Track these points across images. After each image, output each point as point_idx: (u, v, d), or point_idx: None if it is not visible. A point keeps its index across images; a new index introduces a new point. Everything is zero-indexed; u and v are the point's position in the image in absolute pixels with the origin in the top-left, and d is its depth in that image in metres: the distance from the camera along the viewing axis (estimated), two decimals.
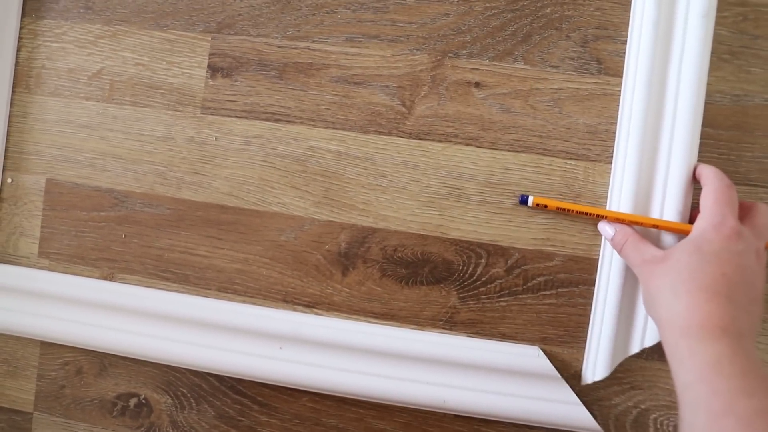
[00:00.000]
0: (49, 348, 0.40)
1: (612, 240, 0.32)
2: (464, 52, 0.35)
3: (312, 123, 0.37)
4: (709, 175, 0.31)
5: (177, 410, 0.38)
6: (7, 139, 0.40)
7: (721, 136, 0.35)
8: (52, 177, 0.39)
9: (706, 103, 0.34)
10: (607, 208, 0.34)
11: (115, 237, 0.39)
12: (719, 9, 0.34)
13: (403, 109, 0.36)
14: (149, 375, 0.38)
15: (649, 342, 0.32)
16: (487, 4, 0.35)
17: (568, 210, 0.33)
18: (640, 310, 0.33)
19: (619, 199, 0.33)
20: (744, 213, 0.31)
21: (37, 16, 0.39)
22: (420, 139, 0.35)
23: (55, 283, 0.39)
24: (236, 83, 0.37)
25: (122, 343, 0.38)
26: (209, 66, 0.38)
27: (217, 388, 0.38)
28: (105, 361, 0.39)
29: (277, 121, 0.37)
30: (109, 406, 0.39)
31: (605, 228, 0.33)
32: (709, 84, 0.35)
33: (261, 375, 0.36)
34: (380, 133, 0.36)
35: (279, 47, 0.37)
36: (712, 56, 0.35)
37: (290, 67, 0.37)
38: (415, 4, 0.36)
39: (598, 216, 0.33)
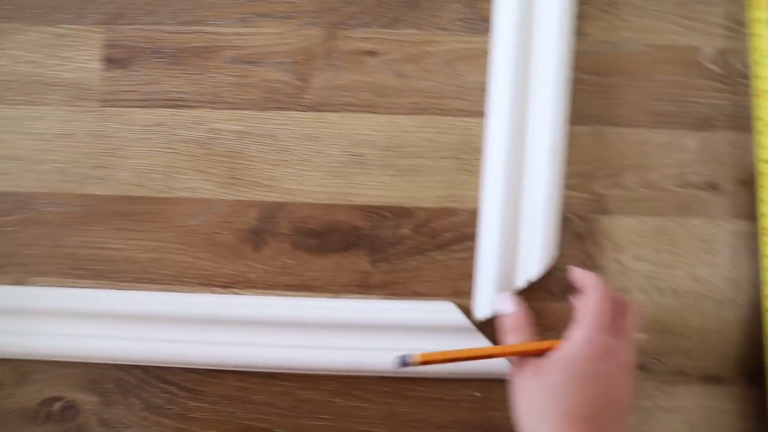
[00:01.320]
0: None
1: (504, 318, 0.33)
2: (355, 22, 0.36)
3: (212, 105, 0.37)
4: (588, 284, 0.31)
5: (104, 407, 0.38)
6: None
7: (607, 82, 0.36)
8: None
9: (589, 52, 0.36)
10: (485, 160, 0.35)
11: (23, 241, 0.38)
12: None
13: (300, 84, 0.36)
14: (72, 376, 0.38)
15: (533, 275, 0.34)
16: None
17: (455, 359, 0.31)
18: (523, 244, 0.34)
19: (494, 148, 0.34)
20: (617, 317, 0.30)
21: None
22: (318, 111, 0.36)
23: None
24: (133, 73, 0.37)
25: (41, 347, 0.37)
26: (104, 58, 0.37)
27: (142, 379, 0.37)
28: (24, 369, 0.38)
29: (177, 107, 0.37)
30: (32, 414, 0.38)
31: (503, 301, 0.33)
32: (591, 34, 0.36)
33: (185, 360, 0.36)
34: (279, 108, 0.36)
35: (173, 33, 0.37)
36: (593, 8, 0.37)
37: (186, 52, 0.37)
38: None
39: (485, 356, 0.31)
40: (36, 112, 0.37)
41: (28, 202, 0.38)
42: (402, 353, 0.30)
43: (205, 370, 0.37)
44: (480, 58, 0.36)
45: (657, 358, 0.36)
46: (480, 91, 0.36)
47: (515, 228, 0.35)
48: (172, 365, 0.36)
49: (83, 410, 0.38)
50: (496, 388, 0.36)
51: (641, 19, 0.36)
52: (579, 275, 0.32)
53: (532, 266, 0.35)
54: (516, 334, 0.32)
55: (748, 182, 0.37)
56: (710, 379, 0.37)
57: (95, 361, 0.37)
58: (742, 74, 0.36)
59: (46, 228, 0.38)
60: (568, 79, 0.34)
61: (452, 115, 0.36)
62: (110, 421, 0.38)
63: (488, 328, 0.36)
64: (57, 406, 0.38)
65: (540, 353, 0.30)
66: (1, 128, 0.38)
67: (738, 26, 0.37)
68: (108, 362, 0.37)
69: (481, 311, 0.35)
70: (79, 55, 0.37)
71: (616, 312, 0.31)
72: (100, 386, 0.38)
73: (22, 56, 0.38)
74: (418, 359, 0.30)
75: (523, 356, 0.31)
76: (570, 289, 0.34)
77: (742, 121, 0.37)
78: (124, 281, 0.37)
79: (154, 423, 0.38)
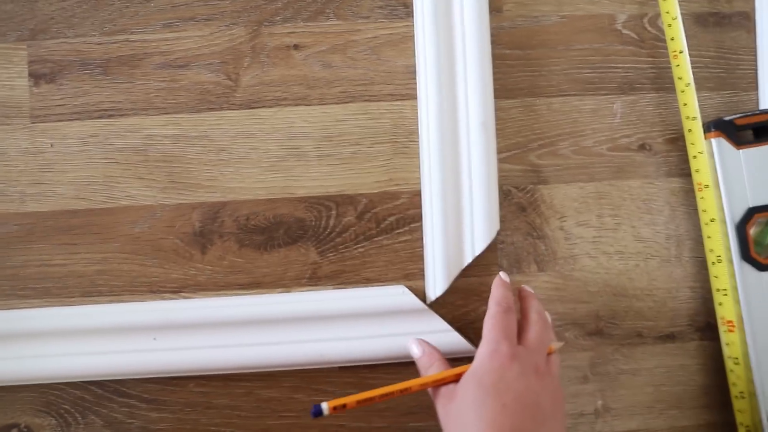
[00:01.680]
0: None
1: (418, 361, 0.33)
2: (278, 18, 0.36)
3: (145, 112, 0.37)
4: (491, 299, 0.33)
5: (63, 430, 0.37)
6: None
7: (530, 55, 0.37)
8: None
9: (509, 27, 0.37)
10: (420, 142, 0.35)
11: None
12: None
13: (230, 83, 0.36)
14: (26, 400, 0.37)
15: (479, 249, 0.34)
16: None
17: (371, 398, 0.31)
18: (467, 220, 0.35)
19: (427, 129, 0.35)
20: (520, 331, 0.32)
21: None
22: (251, 108, 0.36)
23: None
24: (62, 87, 0.37)
25: None
26: (30, 74, 0.37)
27: (100, 395, 0.37)
28: None
29: (110, 116, 0.37)
30: None
31: (412, 347, 0.34)
32: (509, 10, 0.37)
33: (140, 370, 0.35)
34: (212, 109, 0.36)
35: (98, 44, 0.37)
36: None
37: (113, 62, 0.37)
38: None
39: (402, 391, 0.31)
40: None
41: None
42: (315, 404, 0.30)
43: (164, 378, 0.36)
44: (404, 42, 0.36)
45: (613, 322, 0.37)
46: (408, 74, 0.36)
47: (457, 205, 0.35)
48: (129, 377, 0.36)
49: None
50: (459, 366, 0.37)
51: None
52: (493, 284, 0.33)
53: (477, 241, 0.35)
54: (430, 369, 0.32)
55: (677, 140, 0.38)
56: (666, 338, 0.38)
57: (49, 381, 0.36)
58: (656, 38, 0.38)
59: None
60: (491, 54, 0.35)
61: (383, 100, 0.36)
62: None
63: (441, 308, 0.37)
64: None
65: (455, 379, 0.31)
66: None
67: None
68: (62, 381, 0.36)
69: (434, 292, 0.36)
70: (3, 73, 0.37)
71: (522, 324, 0.32)
72: (57, 408, 0.37)
73: None
74: (329, 408, 0.30)
75: (438, 386, 0.31)
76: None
77: (663, 82, 0.38)
78: (73, 296, 0.37)
79: None
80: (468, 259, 0.35)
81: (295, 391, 0.37)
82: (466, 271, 0.36)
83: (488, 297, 0.36)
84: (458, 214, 0.35)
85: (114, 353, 0.36)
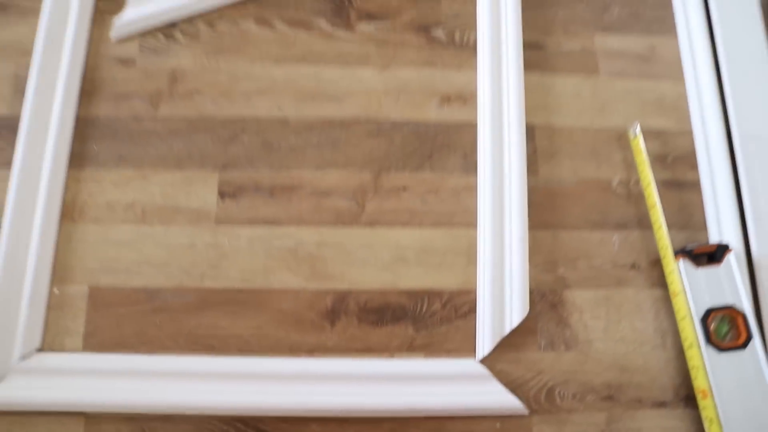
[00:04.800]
0: (91, 427, 0.48)
1: None
2: (393, 168, 0.55)
3: (297, 224, 0.53)
4: None
5: None
6: (54, 258, 0.51)
7: (557, 202, 0.55)
8: (94, 284, 0.50)
9: (542, 184, 0.55)
10: (478, 250, 0.52)
11: (151, 324, 0.50)
12: None
13: (358, 208, 0.53)
14: (185, 431, 0.48)
15: (515, 323, 0.49)
16: (403, 139, 0.56)
17: None
18: (507, 304, 0.50)
19: (484, 243, 0.52)
20: None
21: (79, 167, 0.53)
22: (372, 226, 0.53)
23: (96, 361, 0.48)
24: (240, 202, 0.53)
25: (161, 403, 0.47)
26: (219, 192, 0.53)
27: (242, 430, 0.48)
28: (144, 426, 0.47)
29: (272, 225, 0.53)
30: None
31: None
32: (541, 174, 0.56)
33: (278, 409, 0.48)
34: (345, 225, 0.53)
35: (269, 176, 0.54)
36: (540, 157, 0.57)
37: (278, 189, 0.54)
38: (357, 141, 0.56)
39: None
40: (167, 230, 0.52)
41: (156, 295, 0.51)
42: None
43: (294, 417, 0.48)
44: (476, 189, 0.54)
45: (620, 391, 0.51)
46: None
47: (501, 292, 0.51)
48: (269, 413, 0.48)
49: None
50: (513, 420, 0.49)
51: (573, 162, 0.57)
52: None
53: (514, 317, 0.50)
54: None
55: (657, 262, 0.55)
56: (659, 404, 0.51)
57: (207, 413, 0.47)
58: (639, 194, 0.57)
59: (170, 314, 0.50)
60: (527, 203, 0.53)
61: (462, 228, 0.53)
62: None
63: (501, 374, 0.50)
64: None
65: None
66: (138, 242, 0.52)
67: (631, 162, 0.58)
68: (217, 413, 0.48)
69: (482, 352, 0.50)
70: (200, 190, 0.53)
71: None
72: None
73: (158, 191, 0.53)
74: None
75: None
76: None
77: (647, 223, 0.56)
78: (231, 352, 0.50)
79: None
80: (507, 329, 0.50)
81: (392, 431, 0.49)
82: (516, 348, 0.50)
83: (532, 366, 0.50)
84: (501, 298, 0.51)
85: (259, 394, 0.48)
